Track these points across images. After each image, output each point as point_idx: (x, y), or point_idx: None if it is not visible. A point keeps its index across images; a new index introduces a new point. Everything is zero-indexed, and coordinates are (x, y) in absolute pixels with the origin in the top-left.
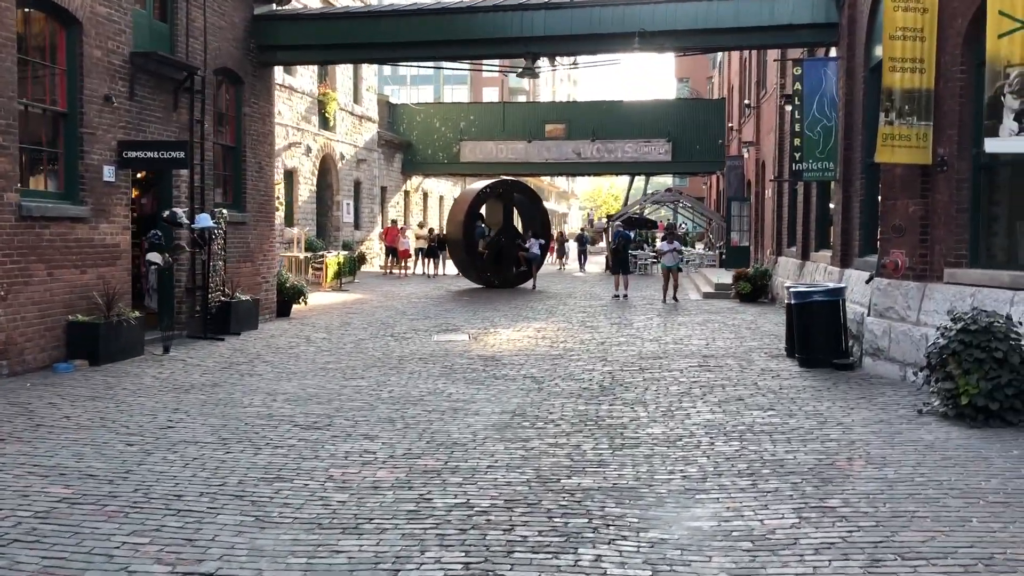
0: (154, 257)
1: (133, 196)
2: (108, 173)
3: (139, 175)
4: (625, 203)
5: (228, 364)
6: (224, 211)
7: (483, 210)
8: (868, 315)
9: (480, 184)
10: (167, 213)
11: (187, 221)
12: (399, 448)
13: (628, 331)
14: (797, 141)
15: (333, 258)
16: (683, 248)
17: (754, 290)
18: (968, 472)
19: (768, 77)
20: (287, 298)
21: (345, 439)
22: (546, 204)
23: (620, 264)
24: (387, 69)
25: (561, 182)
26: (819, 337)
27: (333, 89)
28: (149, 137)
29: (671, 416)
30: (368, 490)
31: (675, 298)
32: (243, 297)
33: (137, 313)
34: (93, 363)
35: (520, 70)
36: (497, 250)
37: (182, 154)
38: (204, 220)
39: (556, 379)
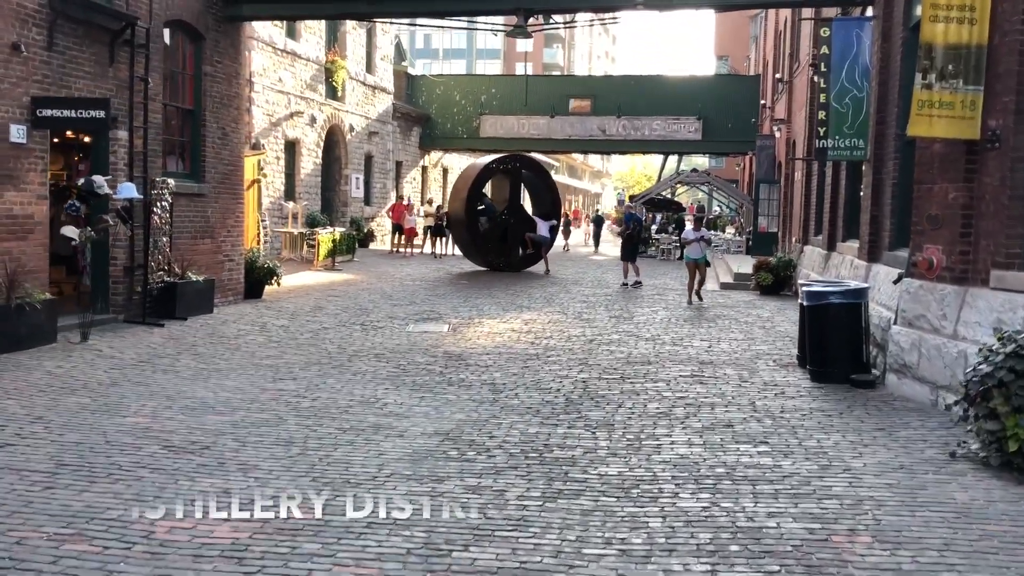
0: (69, 231)
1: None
2: (16, 133)
3: (81, 139)
4: (659, 183)
5: (148, 357)
6: (169, 180)
7: (488, 187)
8: (895, 322)
9: (486, 159)
10: (82, 181)
11: (109, 191)
12: (271, 487)
13: (625, 326)
14: (822, 115)
15: (327, 235)
16: (711, 237)
17: (776, 282)
18: (1018, 559)
19: (801, 48)
20: (259, 278)
21: (212, 471)
22: (580, 183)
23: (629, 250)
24: (419, 41)
25: (595, 161)
26: (835, 346)
27: (343, 57)
28: (76, 94)
29: (637, 448)
30: (184, 559)
31: (698, 295)
32: (194, 277)
33: (46, 295)
34: None
35: (511, 28)
36: (503, 230)
37: (102, 113)
38: (127, 190)
39: (519, 388)
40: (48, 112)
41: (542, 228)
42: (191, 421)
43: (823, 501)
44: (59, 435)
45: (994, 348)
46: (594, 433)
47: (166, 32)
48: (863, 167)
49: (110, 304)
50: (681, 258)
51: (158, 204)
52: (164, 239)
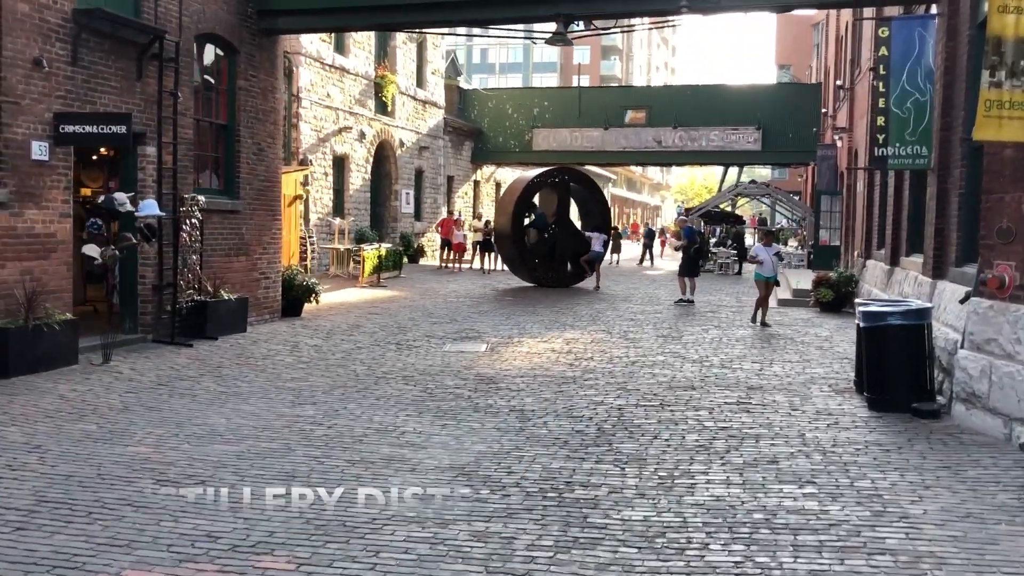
0: (90, 250)
1: (99, 180)
2: (38, 150)
3: (105, 155)
4: (717, 195)
5: (169, 379)
6: (199, 197)
7: (536, 201)
8: (962, 346)
9: (533, 172)
10: (102, 198)
11: (132, 208)
12: (259, 531)
13: (672, 346)
14: (881, 120)
15: (373, 251)
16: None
17: (837, 298)
18: None
19: (863, 54)
20: (297, 296)
21: (202, 510)
22: (639, 196)
23: (688, 265)
24: (475, 56)
25: (654, 173)
26: (895, 372)
27: (392, 72)
28: (101, 109)
29: (668, 488)
30: None
31: (763, 322)
32: (226, 296)
33: (67, 316)
34: (3, 375)
35: (550, 35)
36: (551, 245)
37: (124, 128)
38: (149, 207)
39: (549, 415)
40: (70, 128)
41: (596, 243)
42: (195, 451)
43: (874, 557)
44: (51, 467)
45: None
46: (623, 469)
47: (197, 46)
48: (927, 176)
49: (139, 324)
50: (739, 273)
51: (187, 221)
52: (194, 257)
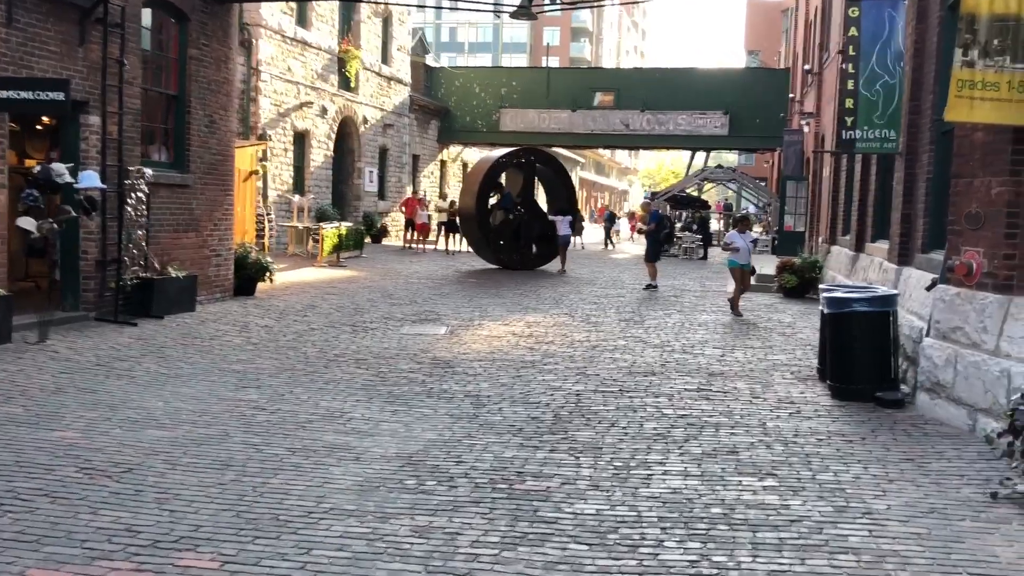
0: (25, 223)
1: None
2: None
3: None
4: (683, 180)
5: (109, 359)
6: (146, 170)
7: (503, 181)
8: (928, 334)
9: (499, 152)
10: (38, 168)
11: (70, 180)
12: (182, 527)
13: (634, 331)
14: (849, 103)
15: (333, 230)
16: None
17: (801, 284)
18: None
19: (832, 38)
20: (250, 274)
21: (124, 501)
22: (607, 180)
23: (653, 251)
24: (444, 35)
25: (623, 157)
26: (859, 360)
27: (357, 47)
28: (39, 75)
29: (624, 479)
30: None
31: (737, 312)
32: (174, 273)
33: (1, 291)
34: None
35: (515, 8)
36: (515, 227)
37: (62, 95)
38: (89, 179)
39: (504, 401)
40: (3, 94)
41: (563, 227)
42: (126, 436)
43: (836, 556)
44: None
45: None
46: (578, 459)
47: (147, 12)
48: (895, 161)
49: (80, 301)
50: (704, 258)
51: (132, 195)
52: (139, 232)
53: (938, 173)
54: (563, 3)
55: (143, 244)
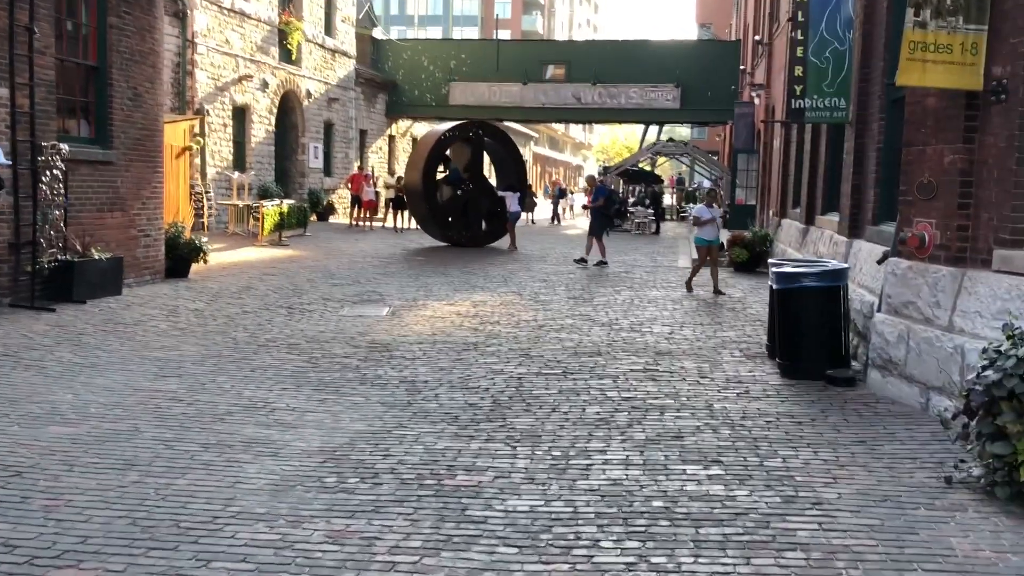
0: None
1: None
2: None
3: None
4: (635, 153)
5: (19, 348)
6: (62, 145)
7: (449, 155)
8: (879, 309)
9: (445, 125)
10: None
11: None
12: (68, 539)
13: (582, 308)
14: (799, 71)
15: (274, 208)
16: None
17: (752, 257)
18: None
19: (781, 6)
20: (183, 255)
21: (7, 511)
22: (561, 156)
23: (598, 226)
24: (393, 7)
25: (576, 132)
26: (809, 337)
27: (299, 18)
28: None
29: (562, 470)
30: None
31: (717, 290)
32: (97, 256)
33: None
34: None
35: None
36: (463, 203)
37: None
38: None
39: (442, 387)
40: None
41: (512, 203)
42: (23, 434)
43: (784, 554)
44: None
45: (1003, 349)
46: (514, 449)
47: None
48: (845, 131)
49: None
50: (656, 232)
51: (47, 172)
52: (56, 212)
53: (889, 142)
54: None
55: (61, 225)
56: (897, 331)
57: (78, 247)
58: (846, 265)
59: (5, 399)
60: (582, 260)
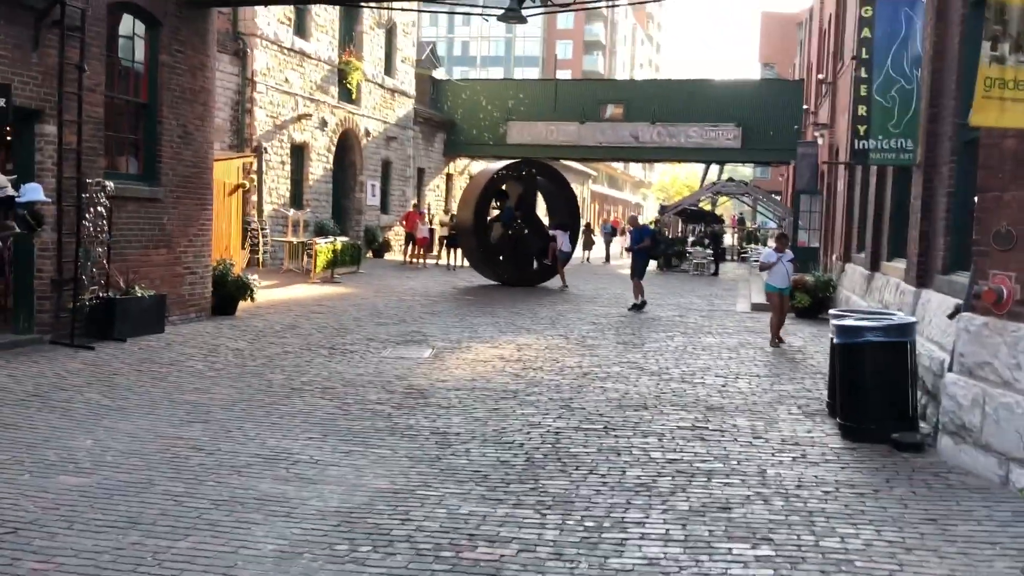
0: None
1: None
2: None
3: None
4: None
5: (49, 389)
6: (107, 183)
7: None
8: (951, 368)
9: (498, 164)
10: None
11: (12, 193)
12: None
13: (632, 355)
14: (862, 110)
15: (327, 245)
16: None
17: (814, 303)
18: None
19: (846, 45)
20: (230, 292)
21: None
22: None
23: (638, 267)
24: (456, 48)
25: (636, 171)
26: (873, 396)
27: (359, 58)
28: None
29: (594, 544)
30: None
31: (778, 339)
32: (140, 293)
33: None
34: None
35: (502, 12)
36: (515, 242)
37: (2, 101)
38: (32, 192)
39: (474, 441)
40: None
41: (563, 242)
42: (32, 484)
43: None
44: None
45: None
46: (544, 516)
47: (112, 16)
48: (912, 173)
49: (35, 323)
50: (715, 274)
51: (91, 209)
52: (99, 249)
53: (961, 187)
54: (554, 5)
55: (104, 262)
56: (971, 394)
57: (121, 284)
58: (913, 319)
59: (24, 444)
60: (635, 306)
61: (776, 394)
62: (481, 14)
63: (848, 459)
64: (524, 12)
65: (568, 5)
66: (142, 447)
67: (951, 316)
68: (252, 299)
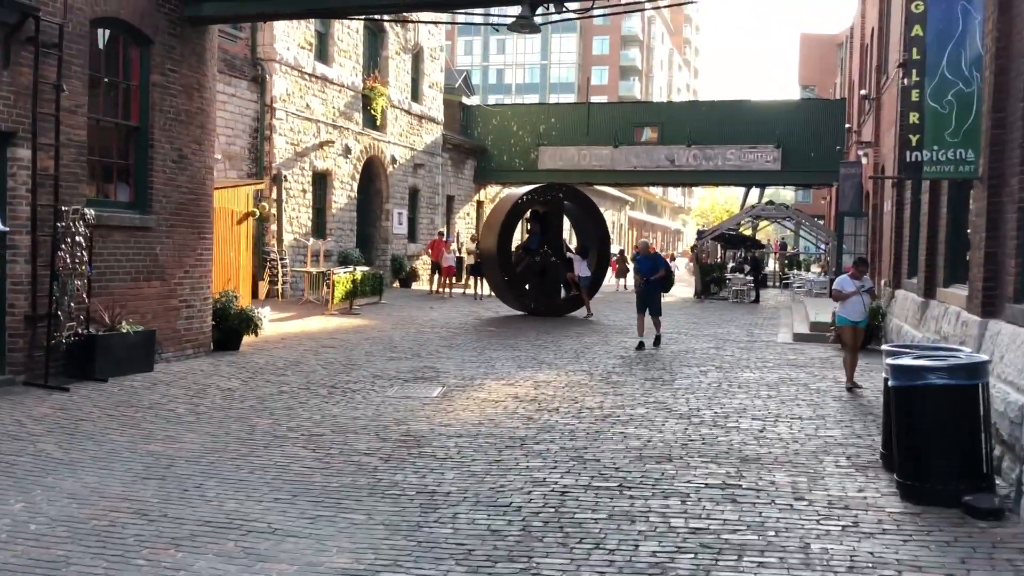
0: None
1: None
2: None
3: None
4: (733, 217)
5: (1, 439)
6: (86, 211)
7: (539, 218)
8: None
9: (523, 189)
10: None
11: None
12: None
13: (660, 393)
14: (914, 118)
15: (346, 275)
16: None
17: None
18: None
19: (891, 58)
20: (233, 326)
21: None
22: (659, 220)
23: (641, 302)
24: (491, 76)
25: (675, 196)
26: (939, 450)
27: (384, 83)
28: None
29: None
30: None
31: (855, 385)
32: (126, 329)
33: None
34: None
35: (513, 20)
36: (540, 270)
37: None
38: None
39: (465, 502)
40: None
41: (581, 268)
42: None
43: None
44: None
45: None
46: None
47: (96, 32)
48: (972, 187)
49: (7, 363)
50: (756, 301)
51: (67, 240)
52: (78, 282)
53: None
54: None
55: (83, 296)
56: None
57: (106, 319)
58: (985, 357)
59: None
60: (640, 345)
61: (821, 441)
62: (491, 24)
63: (910, 529)
64: (536, 19)
65: (584, 13)
66: (77, 512)
67: None
68: (256, 333)
